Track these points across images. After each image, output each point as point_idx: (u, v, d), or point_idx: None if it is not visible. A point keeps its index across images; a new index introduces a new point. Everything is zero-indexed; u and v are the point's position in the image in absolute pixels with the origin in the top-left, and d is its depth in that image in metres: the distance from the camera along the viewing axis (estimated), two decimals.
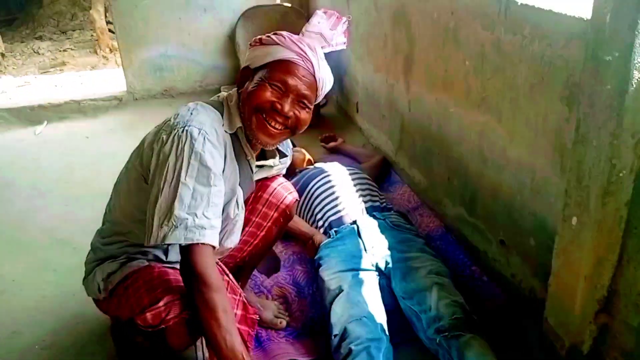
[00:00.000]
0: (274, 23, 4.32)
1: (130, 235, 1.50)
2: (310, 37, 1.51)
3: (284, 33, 1.46)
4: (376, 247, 2.02)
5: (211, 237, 1.31)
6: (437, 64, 2.32)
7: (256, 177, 1.64)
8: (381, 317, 1.73)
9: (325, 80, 1.49)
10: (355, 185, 2.35)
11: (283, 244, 2.29)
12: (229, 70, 4.49)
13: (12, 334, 2.01)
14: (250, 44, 1.50)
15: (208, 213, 1.30)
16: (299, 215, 2.34)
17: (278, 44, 1.42)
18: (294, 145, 2.36)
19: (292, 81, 1.41)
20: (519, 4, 1.73)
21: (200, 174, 1.29)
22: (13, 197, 3.08)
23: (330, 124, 3.81)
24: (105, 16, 6.77)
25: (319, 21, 1.52)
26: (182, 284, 1.37)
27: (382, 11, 2.87)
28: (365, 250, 2.00)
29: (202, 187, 1.29)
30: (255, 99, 1.41)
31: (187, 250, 1.30)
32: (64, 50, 6.84)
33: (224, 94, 1.55)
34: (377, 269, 1.95)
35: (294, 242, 2.30)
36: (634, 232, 1.38)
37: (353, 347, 1.60)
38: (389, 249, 1.99)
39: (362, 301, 1.76)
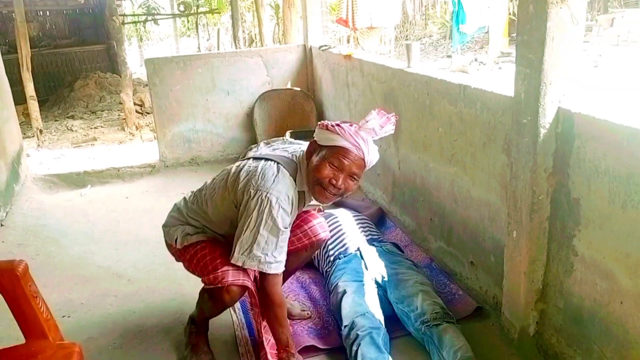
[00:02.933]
0: (285, 104, 5.08)
1: (212, 224, 2.10)
2: (365, 130, 1.91)
3: (344, 126, 1.89)
4: (375, 266, 2.59)
5: (276, 269, 1.94)
6: (418, 131, 3.02)
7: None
8: (379, 314, 2.29)
9: (372, 160, 1.98)
10: (357, 224, 2.96)
11: (301, 271, 2.86)
12: (246, 142, 5.16)
13: (87, 339, 2.48)
14: (318, 125, 1.97)
15: (275, 253, 1.92)
16: None
17: (338, 134, 1.88)
18: None
19: (346, 162, 1.89)
20: (472, 87, 2.44)
21: (273, 229, 1.88)
22: (70, 244, 3.64)
23: None
24: (132, 98, 7.60)
25: (373, 119, 1.93)
26: None
27: (375, 93, 3.61)
28: (367, 268, 2.58)
29: (273, 237, 1.90)
30: (317, 173, 1.90)
31: (262, 275, 1.97)
32: (95, 128, 7.56)
33: (298, 150, 2.06)
34: (376, 282, 2.51)
35: (310, 269, 2.89)
36: (554, 239, 1.98)
37: (359, 333, 2.14)
38: (385, 267, 2.57)
39: (364, 302, 2.32)
